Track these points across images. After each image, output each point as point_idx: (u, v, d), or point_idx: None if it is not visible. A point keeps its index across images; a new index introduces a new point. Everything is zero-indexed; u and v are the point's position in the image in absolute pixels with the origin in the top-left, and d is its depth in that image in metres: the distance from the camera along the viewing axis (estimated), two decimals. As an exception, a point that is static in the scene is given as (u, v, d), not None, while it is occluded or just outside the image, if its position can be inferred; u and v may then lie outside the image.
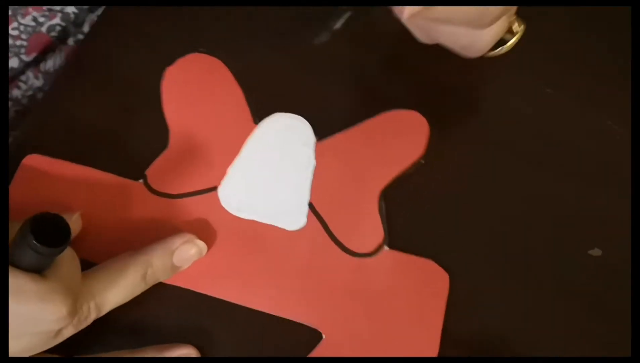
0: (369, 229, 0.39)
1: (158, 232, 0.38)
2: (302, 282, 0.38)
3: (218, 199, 0.40)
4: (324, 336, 0.38)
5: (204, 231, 0.39)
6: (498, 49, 0.36)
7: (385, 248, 0.39)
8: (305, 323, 0.38)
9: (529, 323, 0.39)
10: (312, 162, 0.40)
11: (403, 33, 0.35)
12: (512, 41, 0.37)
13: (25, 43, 0.46)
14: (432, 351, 0.37)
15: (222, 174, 0.40)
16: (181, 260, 0.37)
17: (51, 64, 0.49)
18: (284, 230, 0.39)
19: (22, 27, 0.46)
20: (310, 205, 0.40)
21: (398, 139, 0.41)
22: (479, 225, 0.40)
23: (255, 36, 0.44)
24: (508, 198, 0.41)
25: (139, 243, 0.37)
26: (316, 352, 0.37)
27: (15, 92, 0.48)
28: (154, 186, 0.40)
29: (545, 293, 0.39)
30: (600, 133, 0.43)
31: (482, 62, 0.38)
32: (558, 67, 0.44)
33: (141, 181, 0.40)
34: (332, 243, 0.39)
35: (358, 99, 0.42)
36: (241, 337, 0.38)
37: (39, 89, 0.49)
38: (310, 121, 0.41)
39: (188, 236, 0.37)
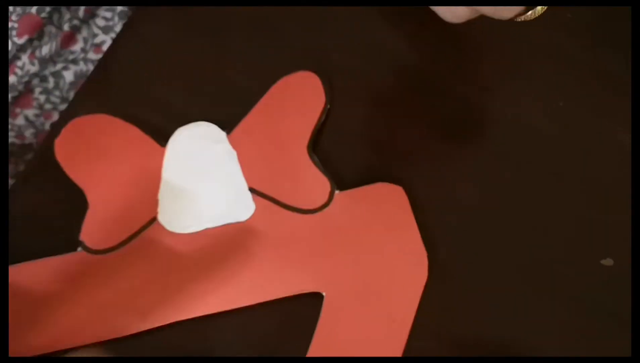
0: (314, 184, 0.39)
1: (121, 286, 0.38)
2: (281, 259, 0.38)
3: (163, 227, 0.39)
4: (324, 294, 0.37)
5: (165, 261, 0.38)
6: (529, 13, 0.33)
7: (337, 192, 0.39)
8: (303, 291, 0.38)
9: (532, 326, 0.38)
10: (232, 153, 0.40)
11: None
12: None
13: (15, 25, 0.44)
14: (420, 252, 0.38)
15: (155, 203, 0.39)
16: None
17: (47, 50, 0.47)
18: (239, 223, 0.39)
19: (11, 8, 0.43)
20: (252, 190, 0.39)
21: (299, 97, 0.41)
22: (480, 227, 0.40)
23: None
24: (518, 207, 0.40)
25: (111, 308, 0.37)
26: (325, 310, 0.37)
27: (11, 79, 0.46)
28: (95, 247, 0.38)
29: (553, 301, 0.39)
30: (613, 143, 0.41)
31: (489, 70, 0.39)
32: (569, 77, 0.43)
33: (79, 249, 0.38)
34: (288, 212, 0.39)
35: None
36: (246, 340, 0.38)
37: (35, 75, 0.47)
38: (212, 121, 0.41)
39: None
